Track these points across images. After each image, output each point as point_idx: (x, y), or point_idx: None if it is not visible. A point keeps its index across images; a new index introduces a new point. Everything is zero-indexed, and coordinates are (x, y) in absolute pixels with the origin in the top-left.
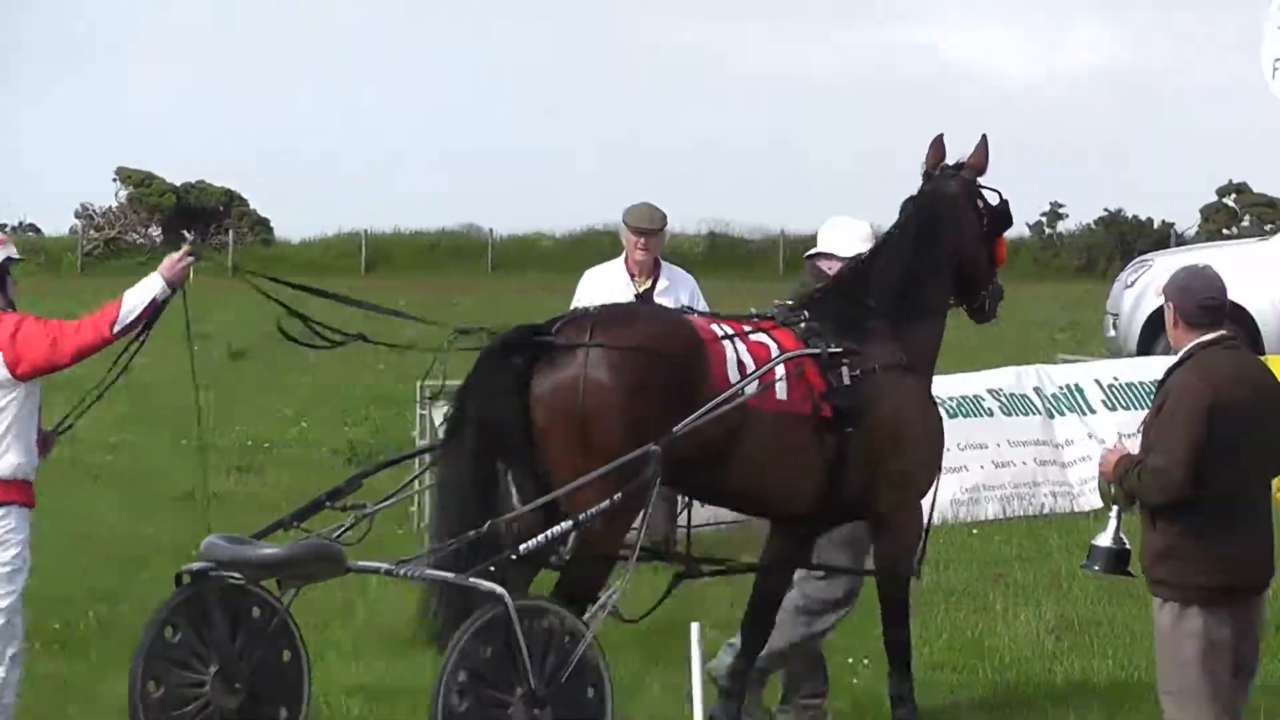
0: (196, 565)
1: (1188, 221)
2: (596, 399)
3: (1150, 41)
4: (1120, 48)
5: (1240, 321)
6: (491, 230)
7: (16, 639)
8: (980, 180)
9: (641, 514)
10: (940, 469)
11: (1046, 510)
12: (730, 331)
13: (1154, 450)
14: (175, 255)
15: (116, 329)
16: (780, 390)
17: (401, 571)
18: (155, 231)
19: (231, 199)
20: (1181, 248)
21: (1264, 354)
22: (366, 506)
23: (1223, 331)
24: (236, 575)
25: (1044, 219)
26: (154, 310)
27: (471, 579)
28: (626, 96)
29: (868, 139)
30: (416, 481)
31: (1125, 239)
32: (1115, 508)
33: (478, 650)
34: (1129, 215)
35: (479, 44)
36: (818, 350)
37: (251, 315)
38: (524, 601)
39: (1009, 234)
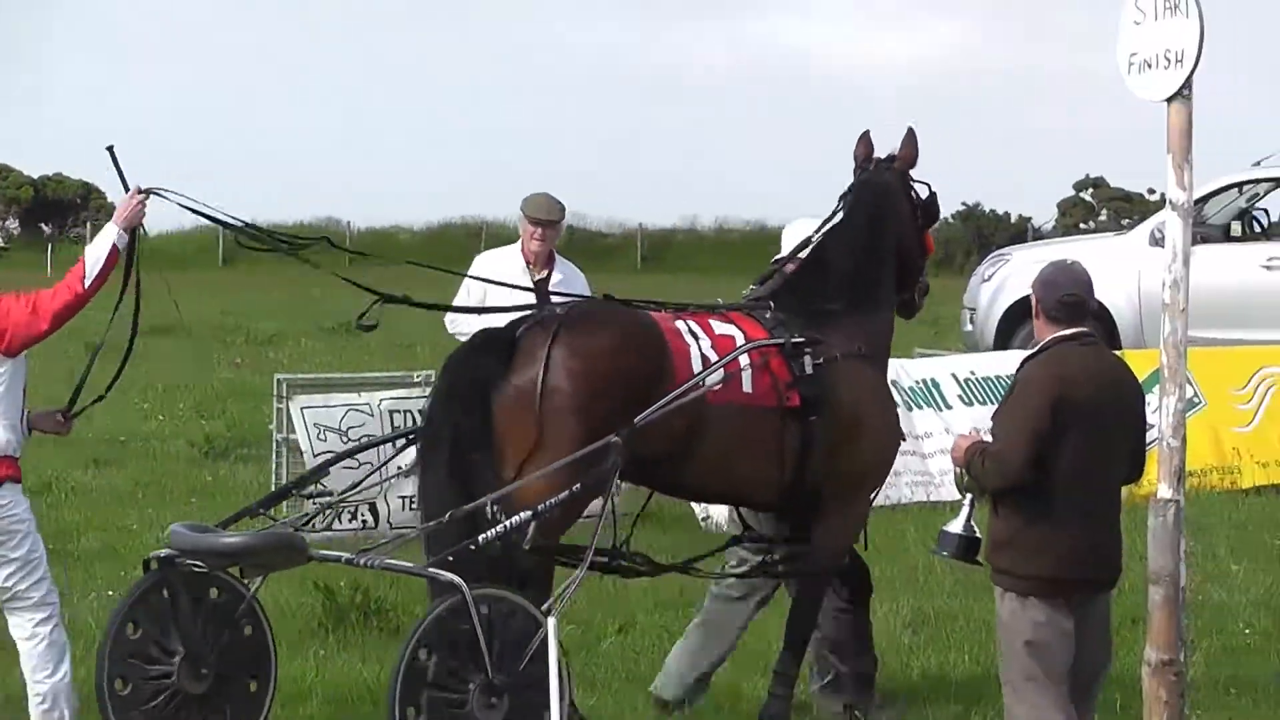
0: (163, 552)
1: (1045, 216)
2: (554, 404)
3: (1008, 34)
4: (978, 40)
5: (1097, 316)
6: (350, 223)
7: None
8: (910, 173)
9: (602, 505)
10: (892, 464)
11: (905, 501)
12: (696, 329)
13: (996, 436)
14: (127, 197)
15: (88, 283)
16: (745, 382)
17: (362, 561)
18: (13, 224)
19: (89, 192)
20: (1039, 242)
21: (1120, 349)
22: (332, 495)
23: (1083, 328)
24: (200, 564)
25: None
26: (118, 257)
27: (430, 569)
28: (484, 91)
29: (724, 132)
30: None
31: (982, 233)
32: (968, 495)
33: (436, 638)
34: (986, 209)
35: (342, 40)
36: (781, 340)
37: (109, 309)
38: (482, 591)
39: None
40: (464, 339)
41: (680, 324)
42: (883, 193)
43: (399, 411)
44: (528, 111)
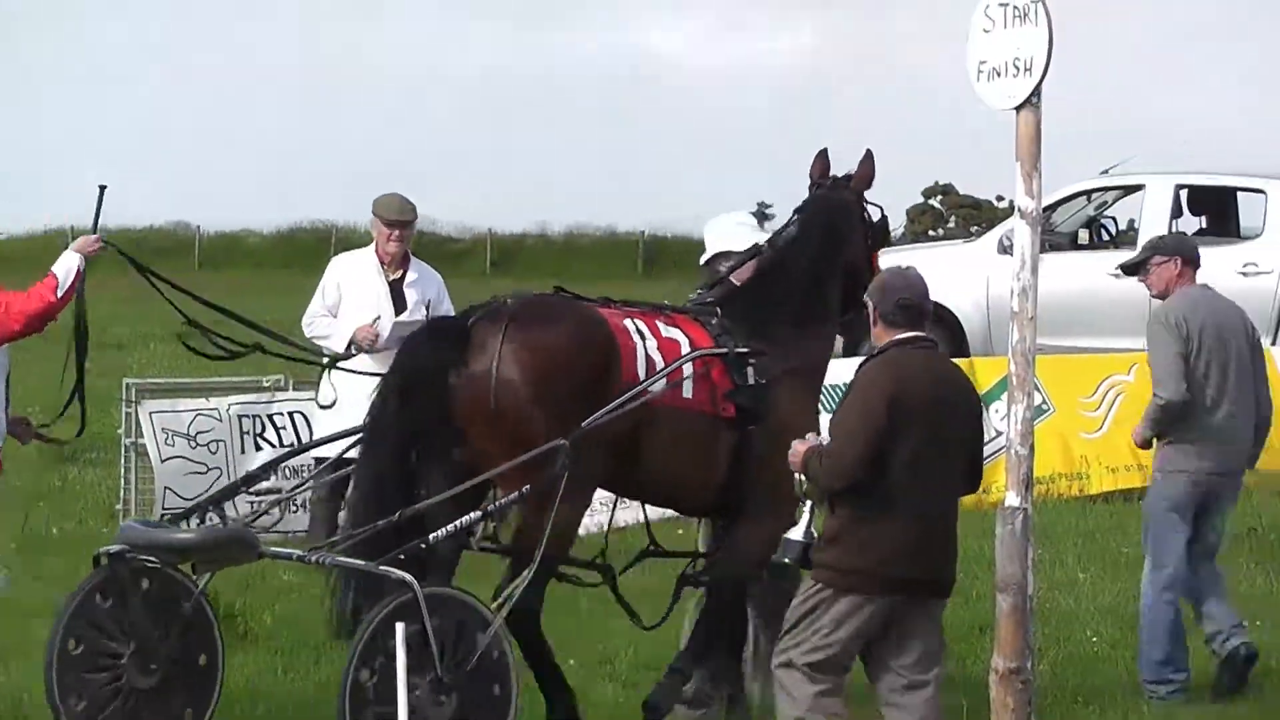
0: (114, 548)
1: (894, 222)
2: (507, 396)
3: (856, 37)
4: (824, 43)
5: (945, 322)
6: (200, 227)
7: None
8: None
9: (550, 507)
10: None
11: None
12: (643, 328)
13: (832, 437)
14: (94, 238)
15: (60, 292)
16: (686, 388)
17: (313, 559)
18: None
19: None
20: (886, 249)
21: (969, 355)
22: (282, 492)
23: (919, 332)
24: (152, 559)
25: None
26: (81, 278)
27: (382, 567)
28: (328, 93)
29: (569, 135)
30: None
31: None
32: (808, 502)
33: (387, 636)
34: None
35: (186, 38)
36: (724, 350)
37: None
38: (433, 590)
39: None
40: (322, 342)
41: (628, 322)
42: (838, 210)
43: (248, 416)
44: (382, 114)
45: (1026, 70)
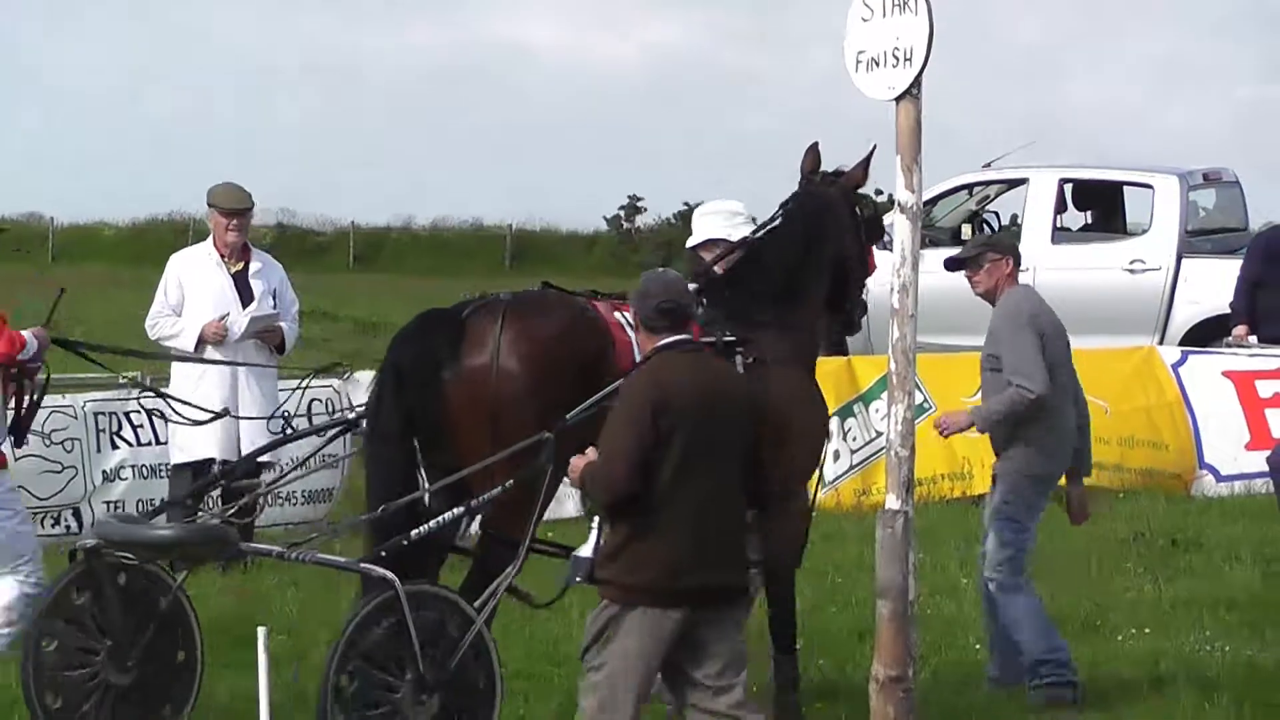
0: (89, 542)
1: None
2: (507, 388)
3: (731, 27)
4: (698, 35)
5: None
6: (54, 219)
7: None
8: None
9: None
10: (820, 461)
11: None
12: (631, 321)
13: (600, 451)
14: (45, 333)
15: (20, 357)
16: None
17: (293, 555)
18: None
19: None
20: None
21: (847, 353)
22: (261, 485)
23: (683, 335)
24: (128, 555)
25: (622, 213)
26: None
27: (363, 564)
28: (183, 82)
29: (444, 128)
30: (314, 459)
31: None
32: (595, 518)
33: (368, 634)
34: None
35: (38, 29)
36: (712, 339)
37: None
38: (415, 587)
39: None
40: (169, 342)
41: (618, 315)
42: (824, 205)
43: (104, 414)
44: (242, 104)
45: (906, 60)
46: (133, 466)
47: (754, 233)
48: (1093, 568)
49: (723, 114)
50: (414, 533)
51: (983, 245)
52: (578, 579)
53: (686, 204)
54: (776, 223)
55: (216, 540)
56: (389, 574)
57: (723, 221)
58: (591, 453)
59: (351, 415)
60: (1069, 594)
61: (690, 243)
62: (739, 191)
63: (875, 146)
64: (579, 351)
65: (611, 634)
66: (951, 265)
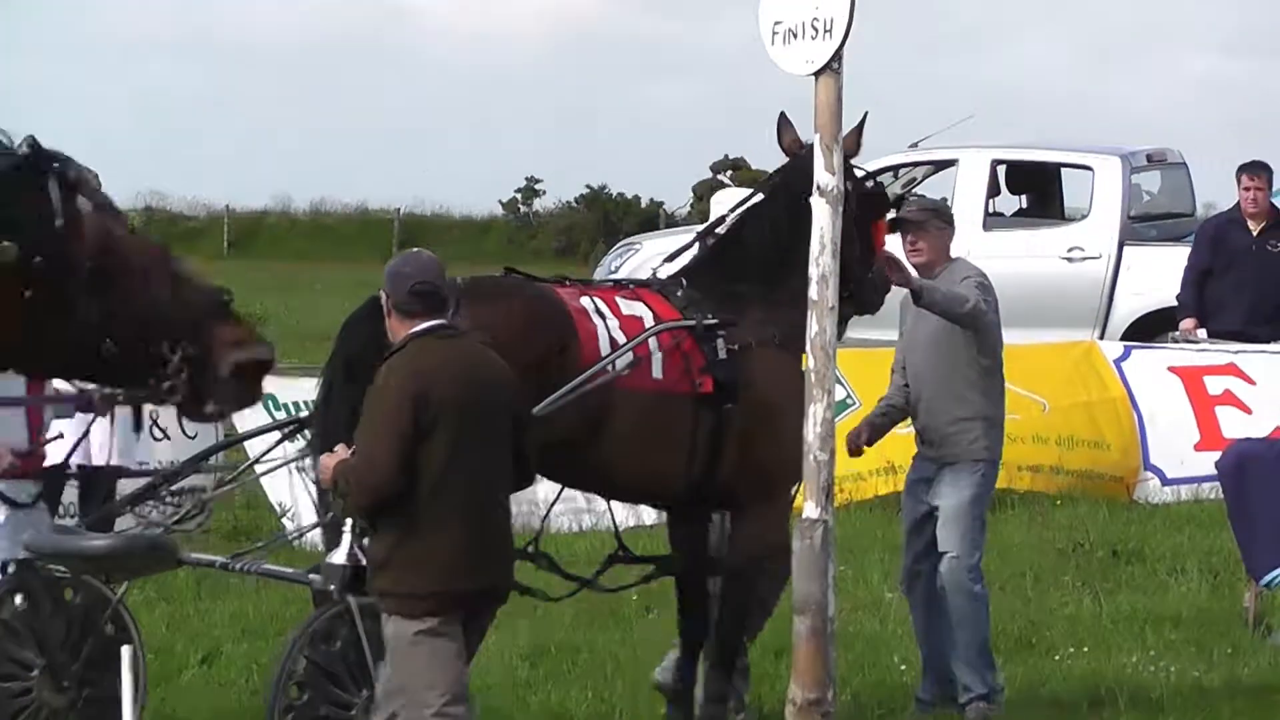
0: (20, 554)
1: (679, 200)
2: None
3: (637, 1)
4: (606, 7)
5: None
6: None
7: None
8: (851, 162)
9: None
10: None
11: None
12: (602, 306)
13: (358, 449)
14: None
15: None
16: (655, 367)
17: (238, 566)
18: None
19: None
20: (672, 229)
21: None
22: (207, 490)
23: (441, 320)
24: (62, 569)
25: (519, 196)
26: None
27: (313, 575)
28: (47, 56)
29: (323, 102)
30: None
31: (610, 219)
32: (349, 520)
33: (318, 648)
34: (613, 193)
35: None
36: (692, 321)
37: None
38: (368, 600)
39: (485, 212)
40: None
41: (586, 301)
42: (806, 178)
43: None
44: (112, 81)
45: (826, 32)
46: None
47: (734, 209)
48: (1028, 581)
49: (630, 88)
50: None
51: (929, 210)
52: (331, 588)
53: (589, 187)
54: (758, 200)
55: (155, 551)
56: (335, 585)
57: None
58: (342, 450)
59: (303, 415)
60: (1002, 610)
61: (703, 228)
62: (647, 175)
63: (866, 114)
64: (536, 343)
65: (402, 654)
66: (892, 227)
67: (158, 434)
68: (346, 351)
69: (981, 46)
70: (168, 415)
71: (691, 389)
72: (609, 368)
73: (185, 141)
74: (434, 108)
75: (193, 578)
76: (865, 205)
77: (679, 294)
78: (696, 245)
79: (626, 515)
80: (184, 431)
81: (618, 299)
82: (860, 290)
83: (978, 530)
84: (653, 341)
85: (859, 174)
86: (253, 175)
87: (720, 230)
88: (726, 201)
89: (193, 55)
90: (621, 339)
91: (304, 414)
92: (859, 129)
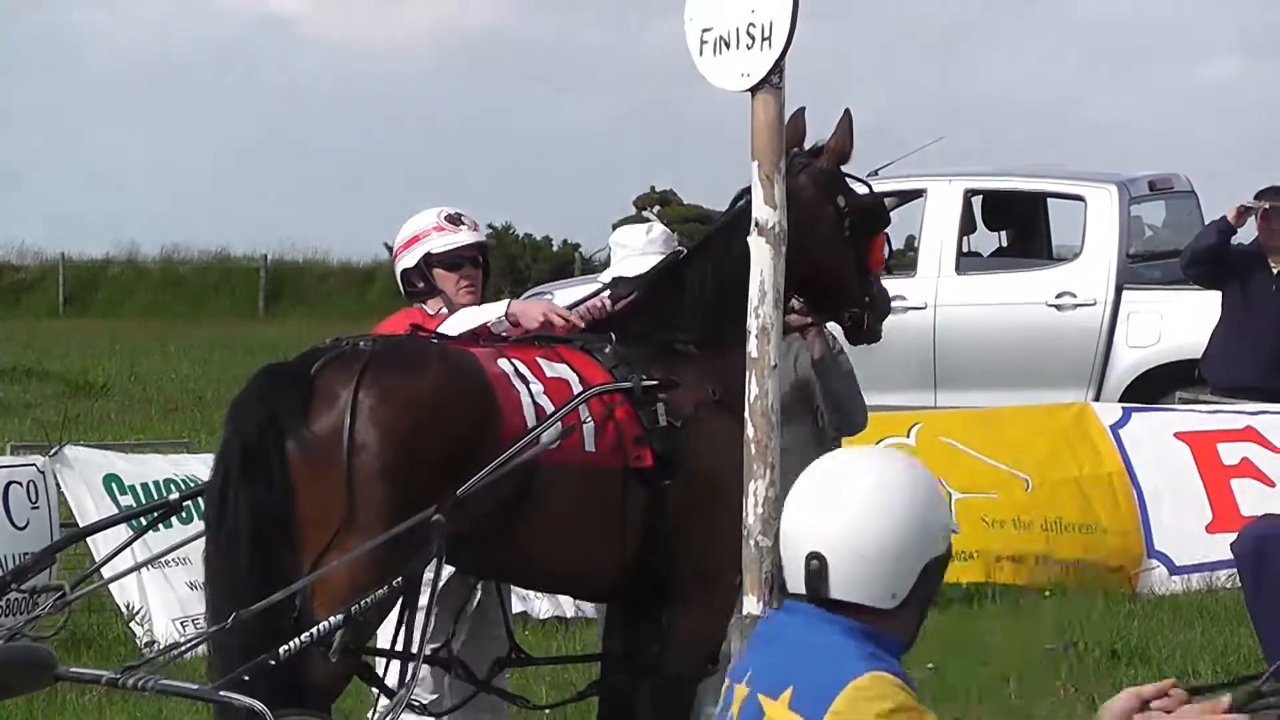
0: None
1: (598, 243)
2: (365, 463)
3: (550, 7)
4: (511, 5)
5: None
6: None
7: None
8: (844, 170)
9: (426, 600)
10: None
11: None
12: (523, 369)
13: None
14: None
15: None
16: (587, 438)
17: (130, 681)
18: None
19: None
20: (590, 276)
21: None
22: (65, 590)
23: None
24: None
25: None
26: None
27: (223, 692)
28: None
29: (173, 129)
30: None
31: (516, 264)
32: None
33: None
34: (519, 233)
35: None
36: (629, 384)
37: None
38: (291, 718)
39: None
40: None
41: (505, 363)
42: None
43: None
44: None
45: (765, 40)
46: None
47: (679, 250)
48: (1011, 687)
49: (537, 107)
50: (282, 650)
51: None
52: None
53: (491, 226)
54: (718, 228)
55: (27, 665)
56: (257, 704)
57: (634, 253)
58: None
59: (173, 498)
60: None
61: (605, 276)
62: (559, 212)
63: (848, 110)
64: (455, 418)
65: None
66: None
67: None
68: (241, 440)
69: (952, 53)
70: None
71: (625, 463)
72: (537, 441)
73: (7, 178)
74: (304, 133)
75: (25, 696)
76: (862, 218)
77: (606, 351)
78: (606, 293)
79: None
80: (11, 521)
81: (538, 359)
82: (862, 316)
83: None
84: (582, 410)
85: (855, 184)
86: (92, 217)
87: (650, 272)
88: (628, 240)
89: (13, 69)
90: (548, 406)
91: (154, 499)
92: (847, 130)
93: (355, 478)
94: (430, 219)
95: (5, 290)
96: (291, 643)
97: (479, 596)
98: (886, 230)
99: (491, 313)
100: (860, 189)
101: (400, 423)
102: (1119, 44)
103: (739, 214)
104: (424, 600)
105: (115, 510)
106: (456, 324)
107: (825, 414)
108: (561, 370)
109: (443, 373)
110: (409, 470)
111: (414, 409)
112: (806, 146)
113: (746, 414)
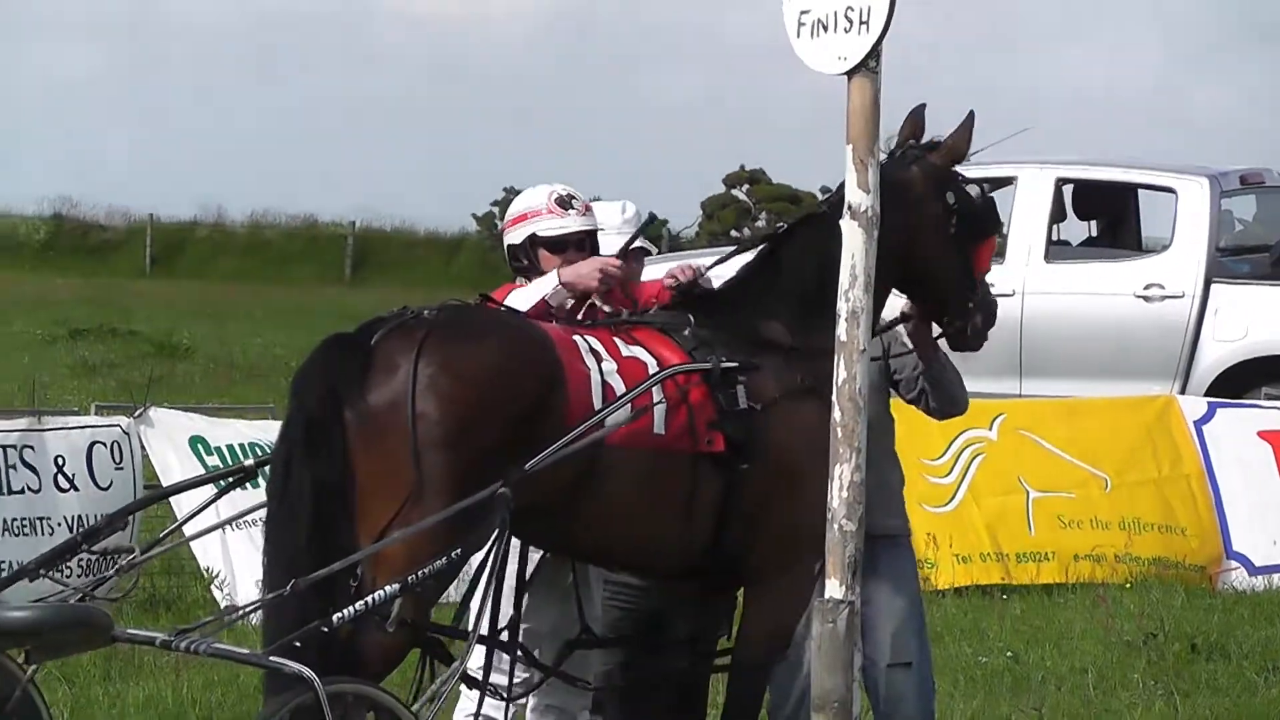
0: None
1: (686, 219)
2: (422, 435)
3: None
4: None
5: None
6: None
7: None
8: (956, 169)
9: (488, 572)
10: None
11: None
12: (598, 347)
13: None
14: None
15: None
16: (657, 420)
17: (183, 645)
18: None
19: None
20: (676, 254)
21: None
22: (136, 552)
23: None
24: None
25: (495, 209)
26: None
27: (273, 658)
28: None
29: (266, 97)
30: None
31: None
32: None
33: None
34: None
35: None
36: (707, 365)
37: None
38: (339, 686)
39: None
40: None
41: (579, 339)
42: (890, 187)
43: None
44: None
45: (863, 24)
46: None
47: (777, 227)
48: (1089, 679)
49: (628, 85)
50: (335, 617)
51: None
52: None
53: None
54: (814, 212)
55: (84, 625)
56: (306, 670)
57: (609, 232)
58: None
59: (248, 463)
60: (1059, 712)
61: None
62: (648, 187)
63: (972, 112)
64: (518, 389)
65: None
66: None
67: (64, 484)
68: (305, 413)
69: (1046, 45)
70: (76, 463)
71: (697, 447)
72: (602, 424)
73: (100, 138)
74: (394, 103)
75: (102, 655)
76: (970, 219)
77: (685, 333)
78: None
79: None
80: (95, 481)
81: (616, 339)
82: (955, 322)
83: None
84: (655, 392)
85: (970, 186)
86: (180, 179)
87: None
88: (603, 218)
89: (109, 38)
90: (619, 386)
91: (240, 463)
92: (967, 129)
93: (415, 448)
94: (541, 199)
95: (92, 249)
96: (346, 610)
97: (544, 572)
98: (997, 235)
99: (546, 285)
100: (973, 190)
101: (461, 392)
102: (1211, 34)
103: (838, 199)
104: (501, 576)
105: (201, 472)
106: (514, 304)
107: (929, 394)
108: (638, 352)
109: (505, 341)
110: (470, 441)
111: (475, 378)
112: (914, 144)
113: (834, 397)
